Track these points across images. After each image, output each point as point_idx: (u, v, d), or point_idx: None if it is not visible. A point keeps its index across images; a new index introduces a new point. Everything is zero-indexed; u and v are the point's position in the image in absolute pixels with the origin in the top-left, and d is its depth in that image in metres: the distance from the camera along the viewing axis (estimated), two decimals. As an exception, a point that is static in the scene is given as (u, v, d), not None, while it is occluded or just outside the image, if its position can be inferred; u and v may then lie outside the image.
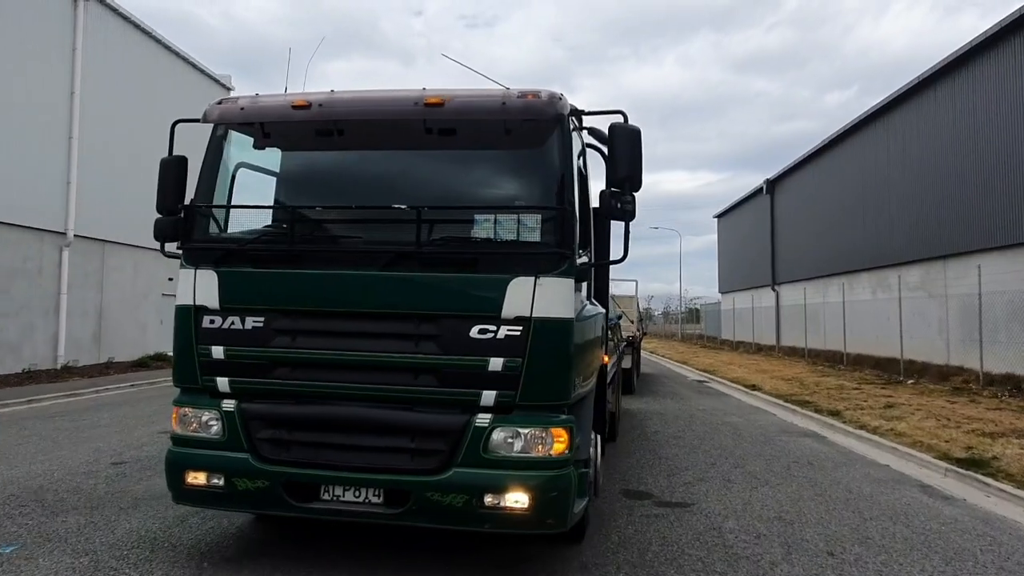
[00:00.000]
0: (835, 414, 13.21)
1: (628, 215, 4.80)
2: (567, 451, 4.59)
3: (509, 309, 4.53)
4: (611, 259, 5.41)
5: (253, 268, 4.93)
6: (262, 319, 4.81)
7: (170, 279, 27.05)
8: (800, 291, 32.48)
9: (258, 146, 5.39)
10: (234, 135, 5.34)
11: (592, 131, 5.68)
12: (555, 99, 4.82)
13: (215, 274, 4.90)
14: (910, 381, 18.86)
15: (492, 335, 4.53)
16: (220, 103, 5.24)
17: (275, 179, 5.65)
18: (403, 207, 4.79)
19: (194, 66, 28.87)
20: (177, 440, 4.99)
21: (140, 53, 25.10)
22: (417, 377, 4.63)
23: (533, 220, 4.68)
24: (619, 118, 4.88)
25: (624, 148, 4.78)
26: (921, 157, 23.41)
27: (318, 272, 4.82)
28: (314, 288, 4.79)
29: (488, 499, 4.49)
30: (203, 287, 4.92)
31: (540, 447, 4.54)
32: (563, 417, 4.63)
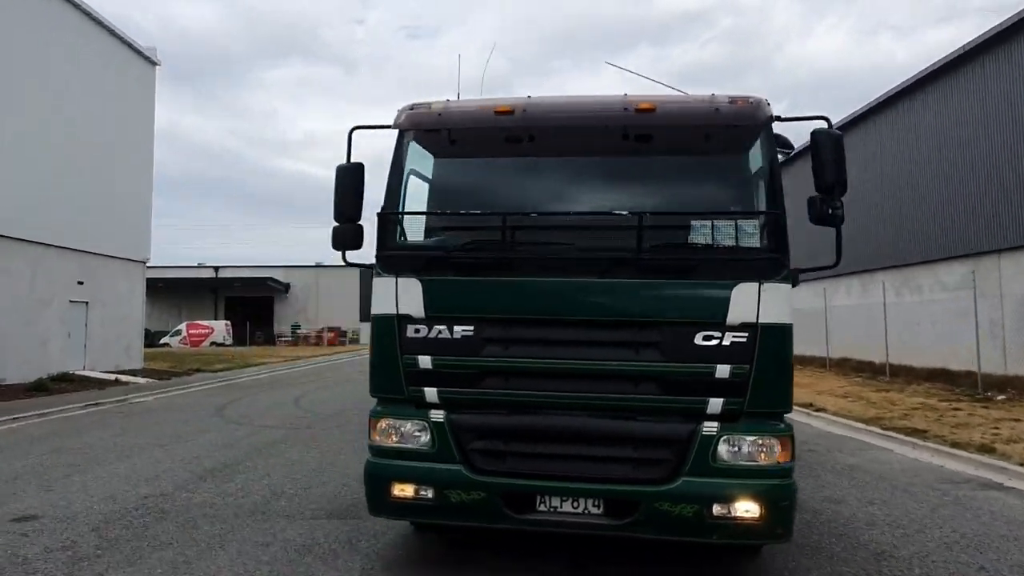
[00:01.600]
0: (988, 450, 9.79)
1: (839, 220, 4.62)
2: (791, 459, 4.53)
3: (735, 315, 4.46)
4: (825, 264, 4.82)
5: (460, 276, 4.81)
6: (471, 328, 4.70)
7: (80, 283, 22.38)
8: (814, 292, 29.42)
9: (440, 153, 5.28)
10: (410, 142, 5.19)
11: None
12: (763, 104, 4.78)
13: (419, 282, 4.77)
14: (1000, 397, 15.71)
15: (718, 342, 4.46)
16: (412, 108, 5.09)
17: (442, 186, 5.39)
18: (624, 213, 4.77)
19: (112, 33, 24.26)
20: (379, 452, 4.85)
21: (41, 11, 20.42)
22: (638, 385, 4.55)
23: (751, 226, 4.64)
24: (822, 124, 4.72)
25: (829, 154, 4.62)
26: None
27: (534, 280, 4.72)
28: (529, 296, 4.69)
29: (717, 509, 4.39)
30: (406, 296, 4.77)
31: (767, 455, 4.45)
32: (784, 425, 4.58)
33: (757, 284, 4.46)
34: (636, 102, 4.78)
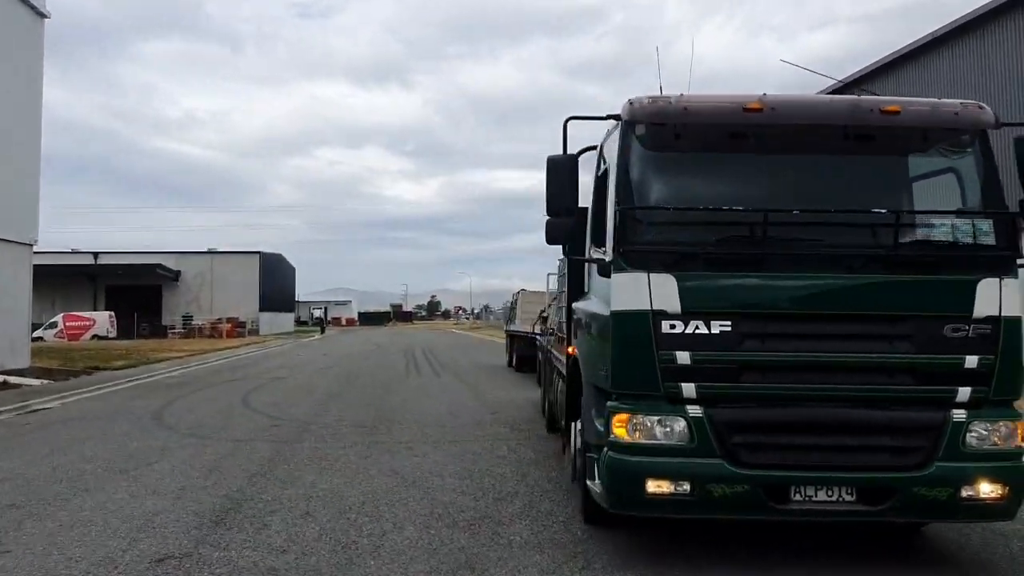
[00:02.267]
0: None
1: None
2: (1022, 443, 4.85)
3: (980, 309, 4.75)
4: None
5: (714, 272, 4.90)
6: (729, 323, 4.78)
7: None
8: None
9: (671, 147, 5.30)
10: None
11: None
12: (988, 110, 5.05)
13: (673, 278, 4.79)
14: None
15: (965, 334, 4.74)
16: (653, 101, 5.08)
17: (674, 181, 5.45)
18: (883, 211, 5.03)
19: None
20: (629, 449, 4.83)
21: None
22: (892, 376, 4.80)
23: (987, 224, 5.02)
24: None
25: None
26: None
27: (789, 275, 4.90)
28: (785, 292, 4.89)
29: (965, 491, 4.71)
30: (660, 292, 4.79)
31: (1007, 440, 4.79)
32: (1016, 410, 4.89)
33: (998, 279, 4.81)
34: (882, 103, 5.02)
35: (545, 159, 5.21)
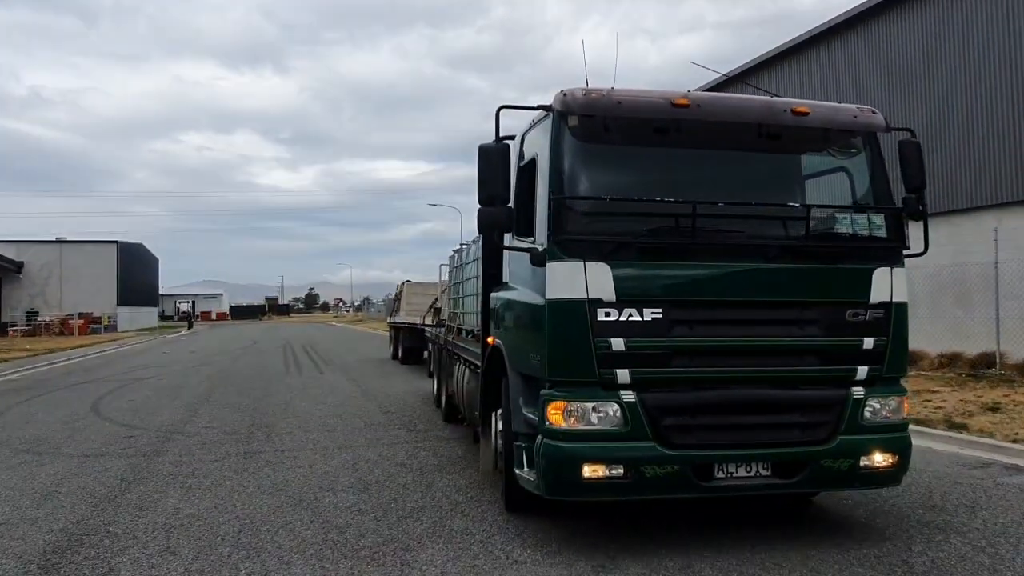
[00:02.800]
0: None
1: (924, 215, 5.52)
2: (907, 415, 5.45)
3: (875, 295, 5.25)
4: (917, 252, 5.52)
5: (647, 261, 5.07)
6: (660, 311, 4.94)
7: None
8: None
9: (598, 139, 5.38)
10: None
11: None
12: (880, 115, 5.63)
13: (607, 267, 4.89)
14: None
15: (863, 318, 5.22)
16: (586, 94, 5.17)
17: (601, 172, 5.55)
18: (796, 205, 5.58)
19: None
20: (564, 435, 4.90)
21: None
22: (802, 358, 5.20)
23: (879, 219, 5.48)
24: (907, 134, 5.70)
25: (917, 161, 5.58)
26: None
27: (717, 265, 5.12)
28: (711, 280, 5.10)
29: (864, 461, 5.17)
30: (595, 280, 4.87)
31: (896, 413, 5.33)
32: (902, 386, 5.47)
33: (890, 268, 5.31)
34: (793, 104, 5.41)
35: (477, 148, 5.23)
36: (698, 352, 5.05)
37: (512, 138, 6.00)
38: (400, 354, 22.98)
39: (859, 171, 5.71)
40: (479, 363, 7.12)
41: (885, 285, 5.26)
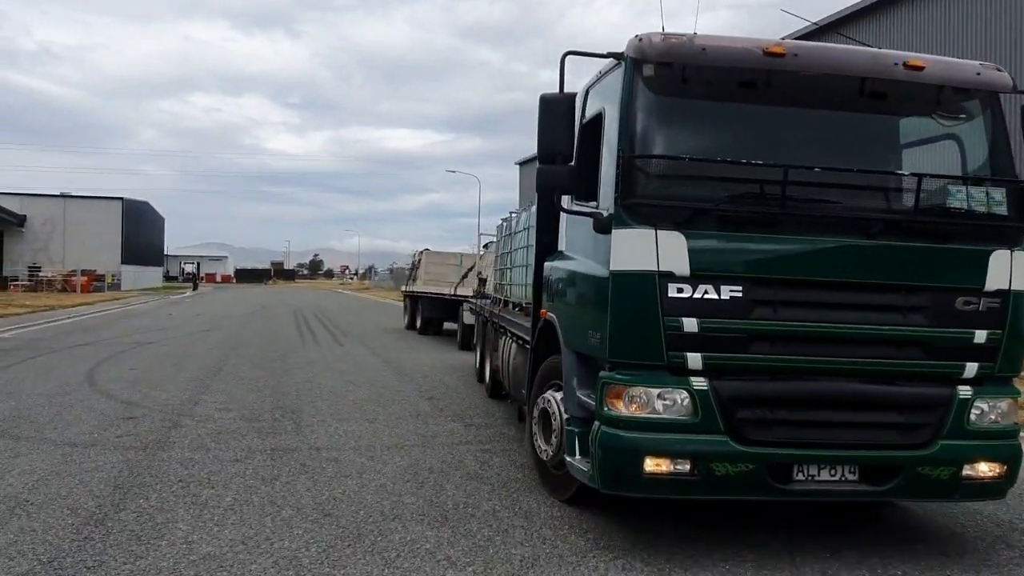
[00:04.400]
0: None
1: None
2: (1019, 421, 4.87)
3: (992, 281, 4.57)
4: None
5: (727, 231, 4.49)
6: (740, 289, 4.41)
7: None
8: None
9: (679, 91, 4.78)
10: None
11: None
12: (1007, 73, 4.85)
13: (682, 236, 4.36)
14: None
15: (976, 307, 4.55)
16: (665, 39, 4.58)
17: (683, 128, 4.97)
18: (905, 173, 4.97)
19: None
20: (625, 423, 4.44)
21: None
22: (902, 350, 4.58)
23: (999, 194, 4.75)
24: None
25: None
26: None
27: (809, 239, 4.54)
28: (801, 256, 4.53)
29: (966, 470, 4.59)
30: (667, 251, 4.35)
31: (1007, 418, 4.69)
32: (1015, 387, 4.86)
33: (1010, 251, 4.63)
34: (906, 58, 4.71)
35: (538, 98, 4.74)
36: (782, 338, 4.49)
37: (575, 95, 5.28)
38: (419, 324, 22.04)
39: (974, 139, 4.97)
40: (528, 338, 6.68)
41: (1003, 270, 4.61)
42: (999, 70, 4.84)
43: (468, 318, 16.37)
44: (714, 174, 4.71)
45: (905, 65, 4.65)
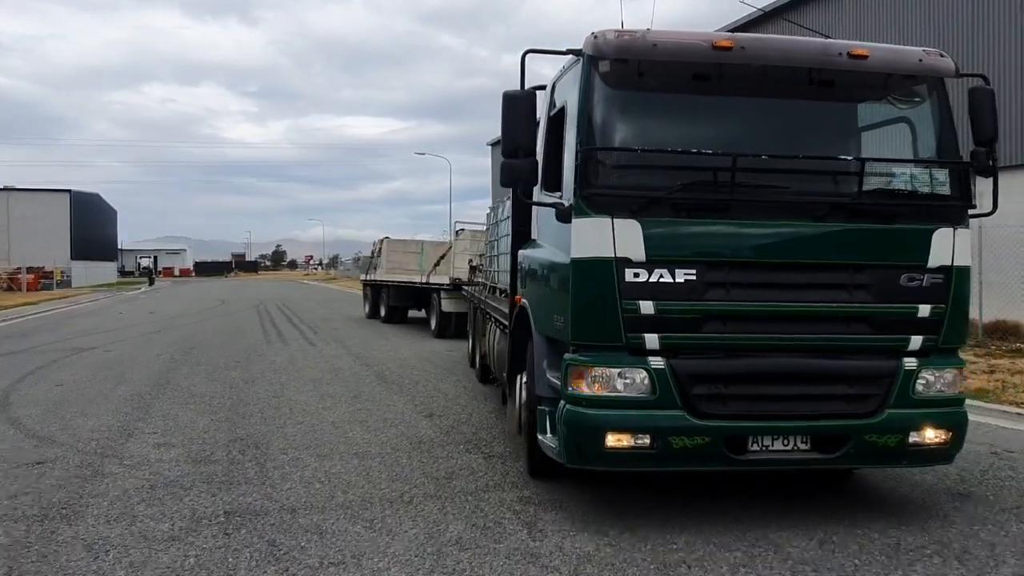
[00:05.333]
0: None
1: (995, 171, 4.96)
2: (963, 390, 5.10)
3: (934, 258, 4.79)
4: (984, 212, 5.02)
5: (680, 218, 4.72)
6: (694, 272, 4.63)
7: None
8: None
9: (633, 85, 4.99)
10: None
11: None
12: (949, 59, 4.99)
13: (638, 224, 4.58)
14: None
15: (919, 283, 4.78)
16: (619, 35, 4.74)
17: (635, 120, 5.18)
18: (848, 159, 5.04)
19: None
20: (588, 402, 4.67)
21: None
22: (850, 326, 4.79)
23: (942, 174, 5.05)
24: (980, 81, 5.09)
25: (989, 110, 4.96)
26: None
27: (758, 223, 4.75)
28: (751, 240, 4.74)
29: (913, 437, 4.81)
30: (624, 238, 4.57)
31: (951, 387, 4.94)
32: (960, 358, 5.07)
33: (952, 229, 4.83)
34: (850, 47, 4.84)
35: (501, 95, 4.83)
36: (734, 317, 4.69)
37: (543, 88, 5.85)
38: (384, 312, 21.68)
39: (922, 122, 5.18)
40: (508, 323, 6.82)
41: (946, 247, 4.82)
42: (942, 55, 4.95)
43: (447, 306, 16.53)
44: (667, 164, 4.85)
45: (849, 55, 4.78)
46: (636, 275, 4.53)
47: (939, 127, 5.03)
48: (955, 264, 4.80)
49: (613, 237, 4.52)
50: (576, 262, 4.66)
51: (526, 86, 4.95)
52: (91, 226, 63.14)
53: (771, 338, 4.71)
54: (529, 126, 4.86)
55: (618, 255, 4.52)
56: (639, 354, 4.59)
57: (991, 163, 4.94)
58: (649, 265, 4.53)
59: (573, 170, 4.74)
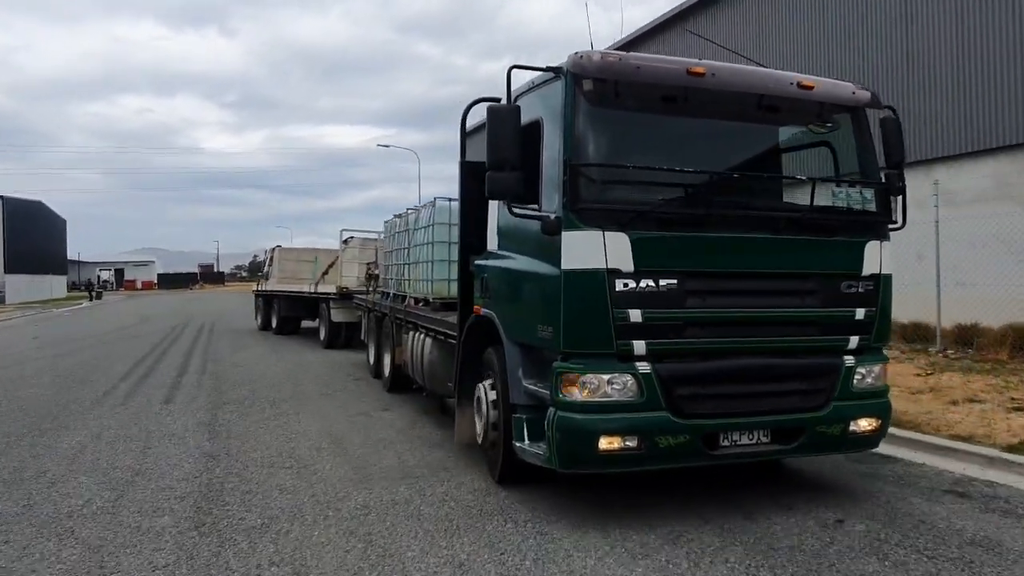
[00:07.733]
0: None
1: (904, 190, 5.71)
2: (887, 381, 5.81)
3: (867, 267, 5.48)
4: (896, 226, 5.74)
5: (664, 231, 5.05)
6: (675, 281, 4.98)
7: None
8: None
9: (612, 104, 5.31)
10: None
11: None
12: (871, 92, 5.76)
13: (626, 237, 4.91)
14: None
15: (856, 290, 5.45)
16: (602, 57, 5.17)
17: (614, 138, 5.49)
18: (803, 177, 5.54)
19: None
20: (580, 407, 4.93)
21: None
22: (803, 328, 5.38)
23: (868, 193, 5.70)
24: (888, 112, 5.80)
25: (897, 137, 5.74)
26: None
27: (730, 235, 5.17)
28: (724, 250, 5.16)
29: (852, 426, 5.45)
30: (614, 250, 4.89)
31: (879, 379, 5.61)
32: (884, 354, 5.80)
33: (879, 242, 5.55)
34: (800, 79, 5.50)
35: (486, 109, 5.16)
36: (710, 323, 5.12)
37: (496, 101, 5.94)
38: (275, 324, 20.78)
39: (845, 146, 5.78)
40: (451, 332, 7.03)
41: (875, 258, 5.48)
42: (866, 89, 5.72)
43: (337, 315, 15.92)
44: (651, 179, 5.18)
45: (798, 85, 5.44)
46: (626, 285, 4.87)
47: (862, 150, 5.72)
48: (882, 272, 5.52)
49: (604, 249, 4.82)
50: (568, 273, 4.92)
51: (504, 99, 5.32)
52: (32, 236, 57.61)
53: (741, 342, 5.17)
54: (514, 140, 5.06)
55: (609, 266, 4.83)
56: (627, 360, 4.90)
57: (900, 184, 5.66)
58: (637, 275, 4.88)
59: (554, 183, 5.07)
